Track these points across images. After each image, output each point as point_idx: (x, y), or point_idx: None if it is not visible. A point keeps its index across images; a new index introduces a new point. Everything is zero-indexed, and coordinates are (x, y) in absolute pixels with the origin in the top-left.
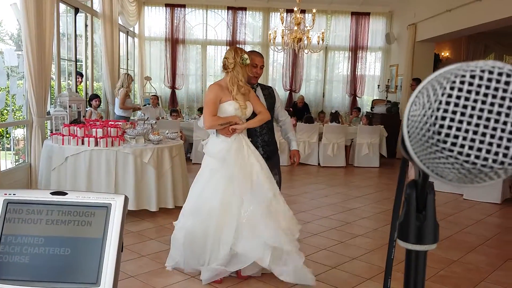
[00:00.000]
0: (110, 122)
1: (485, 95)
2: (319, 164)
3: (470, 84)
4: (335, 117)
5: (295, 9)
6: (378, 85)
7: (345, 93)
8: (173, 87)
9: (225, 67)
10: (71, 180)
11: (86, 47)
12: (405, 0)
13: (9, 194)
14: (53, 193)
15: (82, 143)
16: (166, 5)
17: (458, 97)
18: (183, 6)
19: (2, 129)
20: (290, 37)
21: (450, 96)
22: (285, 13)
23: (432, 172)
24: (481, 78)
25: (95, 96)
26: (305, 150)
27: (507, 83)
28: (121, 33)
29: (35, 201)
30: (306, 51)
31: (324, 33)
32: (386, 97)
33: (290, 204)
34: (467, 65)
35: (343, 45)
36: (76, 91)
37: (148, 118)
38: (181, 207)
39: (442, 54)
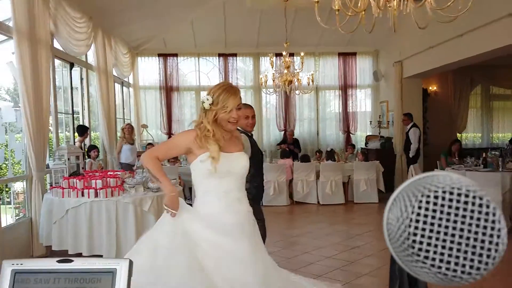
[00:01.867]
0: (109, 173)
1: (448, 213)
2: (318, 202)
3: (435, 204)
4: (330, 155)
5: (284, 53)
6: (370, 121)
7: (338, 130)
8: (169, 133)
9: None
10: (72, 233)
11: (82, 99)
12: (389, 39)
13: (17, 264)
14: (59, 261)
15: (82, 195)
16: (159, 55)
17: (426, 216)
18: (175, 55)
19: (2, 184)
20: (281, 79)
21: (418, 214)
22: (274, 57)
23: (412, 272)
24: (443, 198)
25: (93, 147)
26: (304, 189)
27: (465, 202)
28: (116, 83)
29: (42, 270)
30: (297, 92)
31: (313, 74)
32: (379, 133)
33: (293, 245)
34: (431, 180)
35: (333, 84)
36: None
37: None
38: None
39: (430, 88)
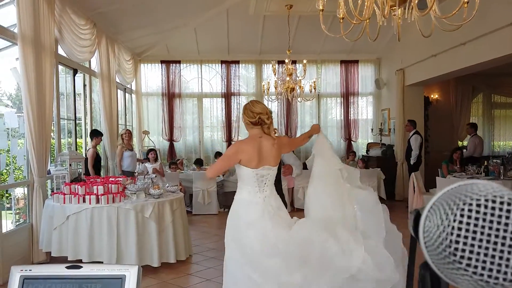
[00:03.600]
0: (110, 179)
1: (491, 221)
2: None
3: (477, 212)
4: None
5: (286, 60)
6: (372, 129)
7: (340, 137)
8: (171, 140)
9: (260, 122)
10: (72, 239)
11: (85, 105)
12: (392, 47)
13: (25, 270)
14: (68, 267)
15: (84, 201)
16: (162, 62)
17: (468, 224)
18: (178, 62)
19: (2, 190)
20: (283, 87)
21: (461, 222)
22: (277, 65)
23: (448, 279)
24: (486, 207)
25: (152, 149)
26: (305, 196)
27: (508, 211)
28: (118, 90)
29: (50, 276)
30: (299, 99)
31: (315, 82)
32: (381, 140)
33: None
34: (471, 188)
35: (335, 91)
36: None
37: (148, 172)
38: (183, 261)
39: (432, 96)
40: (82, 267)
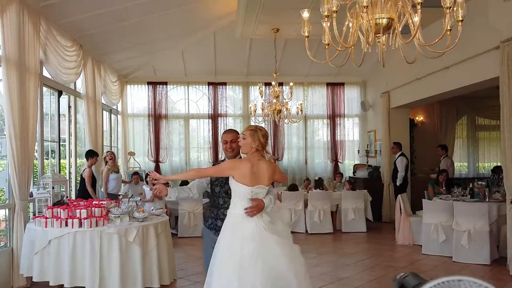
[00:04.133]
0: (94, 202)
1: None
2: (306, 231)
3: None
4: (318, 183)
5: (273, 83)
6: (358, 150)
7: (326, 159)
8: (157, 161)
9: (263, 148)
10: (54, 264)
11: (70, 126)
12: (377, 70)
13: None
14: None
15: (66, 225)
16: (148, 83)
17: None
18: (165, 83)
19: None
20: (270, 109)
21: None
22: (264, 87)
23: None
24: None
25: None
26: (292, 217)
27: None
28: (104, 111)
29: None
30: (286, 121)
31: (302, 104)
32: (367, 162)
33: None
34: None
35: (321, 113)
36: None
37: (132, 195)
38: (167, 285)
39: (417, 118)
40: None
